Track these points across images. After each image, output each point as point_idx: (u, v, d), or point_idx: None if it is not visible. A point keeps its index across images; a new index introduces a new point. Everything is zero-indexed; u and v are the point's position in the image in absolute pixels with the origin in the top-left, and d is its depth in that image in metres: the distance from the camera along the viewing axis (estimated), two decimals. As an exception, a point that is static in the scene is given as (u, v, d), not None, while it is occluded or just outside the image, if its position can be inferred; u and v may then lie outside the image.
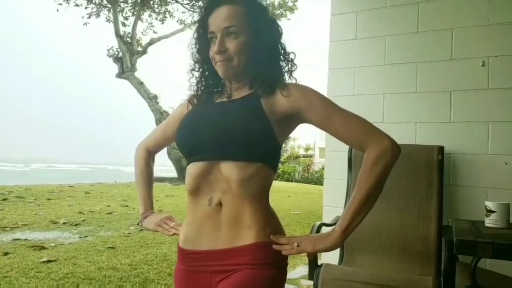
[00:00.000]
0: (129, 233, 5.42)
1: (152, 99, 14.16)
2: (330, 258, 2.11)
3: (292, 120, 1.05)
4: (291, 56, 1.10)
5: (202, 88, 1.14)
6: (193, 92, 1.16)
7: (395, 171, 2.30)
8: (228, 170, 0.99)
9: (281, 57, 1.09)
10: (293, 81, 1.09)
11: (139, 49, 14.39)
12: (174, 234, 1.15)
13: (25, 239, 4.67)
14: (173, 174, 15.82)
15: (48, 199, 8.16)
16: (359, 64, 2.55)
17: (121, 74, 14.01)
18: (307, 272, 3.88)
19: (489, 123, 2.21)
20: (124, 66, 13.79)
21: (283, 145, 1.09)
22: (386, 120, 2.44)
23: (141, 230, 5.65)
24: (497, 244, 1.22)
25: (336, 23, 2.61)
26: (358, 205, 0.96)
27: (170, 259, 3.94)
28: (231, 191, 0.99)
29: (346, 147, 2.44)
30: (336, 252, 2.20)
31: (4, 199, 7.67)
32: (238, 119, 1.00)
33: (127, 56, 13.63)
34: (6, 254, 3.90)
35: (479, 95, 2.24)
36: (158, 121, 14.47)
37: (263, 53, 1.05)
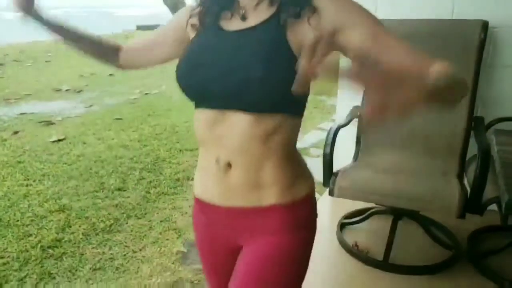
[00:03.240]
0: (135, 98, 5.35)
1: None
2: (344, 155, 2.00)
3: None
4: None
5: (210, 5, 0.85)
6: (194, 5, 0.88)
7: (429, 54, 2.00)
8: (241, 123, 0.78)
9: None
10: None
11: None
12: None
13: (32, 113, 4.63)
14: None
15: (46, 61, 7.89)
16: None
17: None
18: (317, 140, 3.90)
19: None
20: None
21: None
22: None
23: (146, 94, 5.56)
24: None
25: None
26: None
27: (180, 131, 3.93)
28: (245, 149, 0.80)
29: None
30: (352, 146, 2.07)
31: (1, 64, 7.43)
32: (256, 58, 0.75)
33: None
34: (16, 133, 3.90)
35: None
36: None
37: None
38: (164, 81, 6.29)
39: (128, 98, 5.33)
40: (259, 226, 0.86)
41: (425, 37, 1.95)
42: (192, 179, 3.02)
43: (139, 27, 14.69)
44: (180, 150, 3.43)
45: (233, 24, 0.83)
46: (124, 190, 2.71)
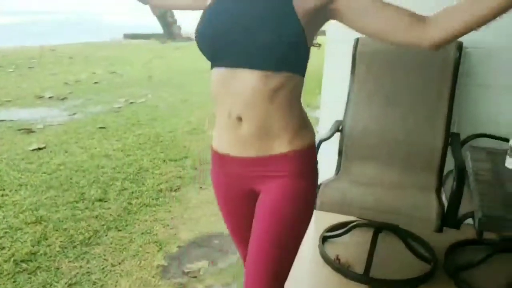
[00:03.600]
0: (119, 107, 5.29)
1: None
2: (327, 168, 2.01)
3: (321, 15, 0.91)
4: None
5: None
6: None
7: (404, 71, 2.04)
8: (252, 80, 0.89)
9: None
10: None
11: None
12: None
13: (11, 120, 4.54)
14: (159, 29, 14.87)
15: (30, 67, 7.77)
16: None
17: None
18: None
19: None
20: None
21: None
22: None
23: (131, 103, 5.51)
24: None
25: None
26: None
27: (164, 141, 3.89)
28: (254, 104, 0.90)
29: (350, 41, 2.09)
30: (334, 160, 2.09)
31: (-18, 70, 7.29)
32: (266, 22, 0.87)
33: None
34: (-7, 140, 3.81)
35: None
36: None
37: None
38: (150, 90, 6.26)
39: (113, 107, 5.26)
40: (271, 173, 0.97)
41: (404, 55, 2.00)
42: (175, 190, 3.02)
43: (126, 36, 14.63)
44: (164, 161, 3.40)
45: None
46: (105, 201, 2.67)
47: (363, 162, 1.99)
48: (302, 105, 1.01)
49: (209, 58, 0.96)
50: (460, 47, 1.94)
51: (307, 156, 0.99)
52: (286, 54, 0.87)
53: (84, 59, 9.16)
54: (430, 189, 1.83)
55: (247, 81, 0.89)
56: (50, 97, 5.67)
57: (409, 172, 1.90)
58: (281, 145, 0.95)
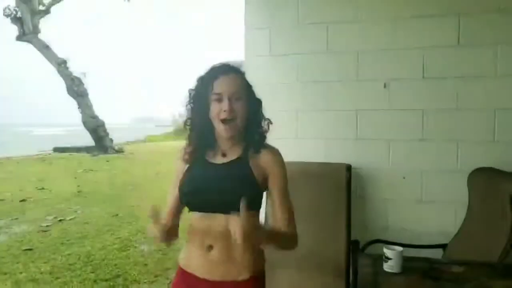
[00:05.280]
0: (47, 225, 5.17)
1: (61, 65, 12.93)
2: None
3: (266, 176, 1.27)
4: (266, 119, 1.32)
5: (199, 147, 1.30)
6: (189, 145, 1.32)
7: (311, 190, 2.45)
8: (223, 221, 1.17)
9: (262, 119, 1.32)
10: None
11: (41, 8, 12.84)
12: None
13: None
14: (90, 141, 14.89)
15: None
16: (274, 80, 2.59)
17: (22, 37, 12.50)
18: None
19: (390, 141, 2.44)
20: (25, 27, 12.28)
21: None
22: (300, 136, 2.56)
23: (60, 220, 5.42)
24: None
25: (250, 38, 2.59)
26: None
27: (95, 260, 3.86)
28: (224, 237, 1.17)
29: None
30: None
31: None
32: (233, 182, 1.22)
33: (27, 16, 12.12)
34: None
35: (381, 114, 2.44)
36: (69, 88, 13.36)
37: (255, 116, 1.29)
38: (79, 206, 6.20)
39: (40, 226, 5.13)
40: None
41: (306, 175, 2.44)
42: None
43: (56, 149, 14.45)
44: (95, 281, 3.36)
45: (216, 158, 1.29)
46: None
47: (283, 270, 2.25)
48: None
49: (190, 208, 1.28)
50: (349, 168, 2.43)
51: (262, 279, 1.30)
52: (251, 203, 1.15)
53: (10, 175, 8.88)
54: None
55: (218, 222, 1.20)
56: (-32, 219, 5.39)
57: (322, 277, 2.20)
58: (243, 272, 1.23)
